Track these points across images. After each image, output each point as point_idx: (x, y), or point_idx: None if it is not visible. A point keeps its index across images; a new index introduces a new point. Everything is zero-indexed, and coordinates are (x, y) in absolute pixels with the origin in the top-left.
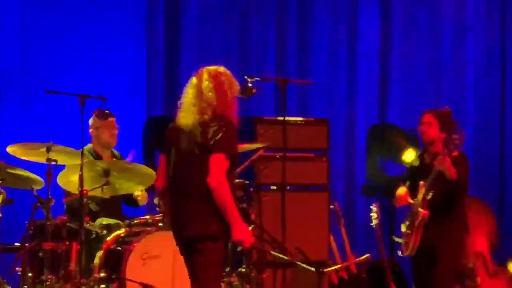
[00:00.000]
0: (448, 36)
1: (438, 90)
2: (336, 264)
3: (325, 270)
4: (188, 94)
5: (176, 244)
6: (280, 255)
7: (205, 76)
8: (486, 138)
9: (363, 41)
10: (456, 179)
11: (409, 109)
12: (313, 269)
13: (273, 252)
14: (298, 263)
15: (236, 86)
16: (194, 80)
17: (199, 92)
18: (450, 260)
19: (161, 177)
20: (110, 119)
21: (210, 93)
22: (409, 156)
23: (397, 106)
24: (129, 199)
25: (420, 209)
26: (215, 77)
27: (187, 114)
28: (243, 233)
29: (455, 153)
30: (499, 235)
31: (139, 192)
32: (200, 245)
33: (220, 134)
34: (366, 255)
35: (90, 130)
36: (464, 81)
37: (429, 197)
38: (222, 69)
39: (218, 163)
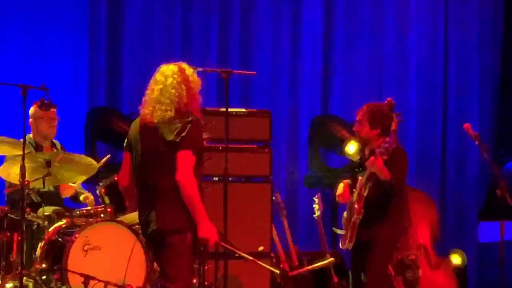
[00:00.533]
0: (391, 28)
1: (380, 82)
2: (278, 256)
3: (290, 273)
4: (153, 91)
5: (145, 240)
6: (246, 255)
7: (169, 72)
8: (429, 130)
9: (306, 33)
10: (390, 178)
11: (351, 101)
12: (277, 271)
13: (241, 253)
14: (263, 264)
15: (199, 82)
16: (158, 76)
17: (164, 88)
18: (383, 257)
19: (125, 174)
20: (51, 109)
21: (174, 90)
22: (351, 148)
23: (339, 98)
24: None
25: (355, 205)
26: (179, 74)
27: (151, 111)
28: (208, 231)
29: (385, 157)
30: (441, 227)
31: (88, 196)
32: (168, 239)
33: (186, 131)
34: (330, 259)
35: (30, 120)
36: (406, 73)
37: (365, 193)
38: (185, 65)
39: (185, 160)
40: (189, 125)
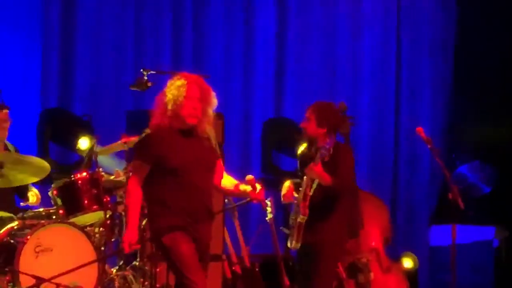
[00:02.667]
0: (344, 32)
1: (333, 85)
2: (230, 257)
3: None
4: None
5: None
6: None
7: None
8: (381, 133)
9: (259, 35)
10: (331, 183)
11: (304, 104)
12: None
13: None
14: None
15: (187, 88)
16: None
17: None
18: (329, 258)
19: None
20: (4, 111)
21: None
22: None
23: (292, 101)
24: (22, 193)
25: (301, 206)
26: (169, 83)
27: None
28: (127, 237)
29: (326, 159)
30: (393, 230)
31: (33, 199)
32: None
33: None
34: None
35: None
36: (359, 76)
37: (310, 193)
38: (182, 74)
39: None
40: (143, 135)
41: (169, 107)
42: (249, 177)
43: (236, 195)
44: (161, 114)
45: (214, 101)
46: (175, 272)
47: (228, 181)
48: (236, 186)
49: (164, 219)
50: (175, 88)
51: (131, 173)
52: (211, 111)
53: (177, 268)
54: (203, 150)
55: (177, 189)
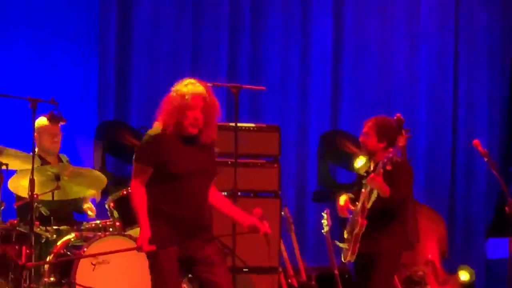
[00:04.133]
0: (401, 44)
1: (390, 97)
2: (287, 270)
3: None
4: None
5: None
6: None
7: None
8: (438, 146)
9: (315, 48)
10: (390, 195)
11: (360, 116)
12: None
13: None
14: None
15: (183, 95)
16: None
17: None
18: (386, 269)
19: None
20: (56, 124)
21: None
22: (360, 163)
23: (348, 113)
24: (78, 209)
25: (359, 218)
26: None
27: None
28: (140, 239)
29: (389, 167)
30: (449, 243)
31: (90, 208)
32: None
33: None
34: None
35: (35, 134)
36: (416, 89)
37: (368, 206)
38: (185, 80)
39: (132, 171)
40: (144, 138)
41: (173, 114)
42: (258, 210)
43: (237, 221)
44: (164, 120)
45: (218, 112)
46: (152, 284)
47: (221, 201)
48: (246, 217)
49: (154, 229)
50: (180, 96)
51: (132, 176)
52: (214, 122)
53: (153, 282)
54: (203, 159)
55: (173, 197)
